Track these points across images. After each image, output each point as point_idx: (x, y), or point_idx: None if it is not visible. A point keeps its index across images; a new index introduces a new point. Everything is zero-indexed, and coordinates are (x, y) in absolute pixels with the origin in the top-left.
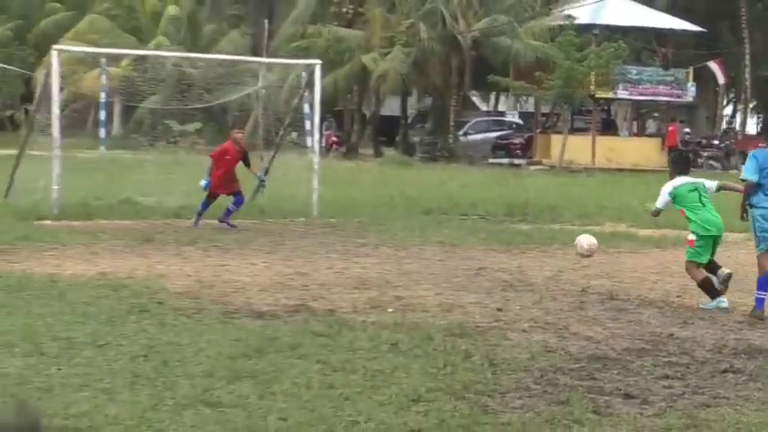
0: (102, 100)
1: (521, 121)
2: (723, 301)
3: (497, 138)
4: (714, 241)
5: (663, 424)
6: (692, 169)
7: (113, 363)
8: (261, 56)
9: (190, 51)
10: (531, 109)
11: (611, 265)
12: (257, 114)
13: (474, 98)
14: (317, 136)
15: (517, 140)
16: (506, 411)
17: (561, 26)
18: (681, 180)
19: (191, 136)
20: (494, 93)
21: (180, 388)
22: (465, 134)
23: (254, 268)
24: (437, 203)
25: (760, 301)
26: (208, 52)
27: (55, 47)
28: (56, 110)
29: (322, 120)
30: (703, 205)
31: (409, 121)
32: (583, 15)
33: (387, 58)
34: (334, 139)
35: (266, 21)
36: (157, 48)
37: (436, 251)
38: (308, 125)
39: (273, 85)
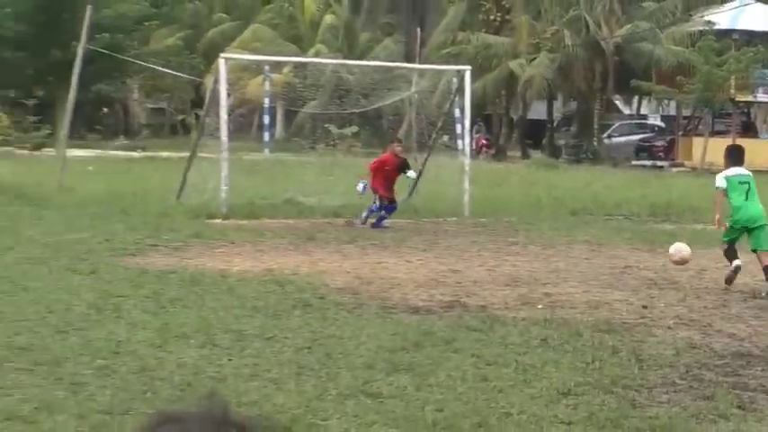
0: (266, 105)
1: (663, 125)
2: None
3: (640, 140)
4: (748, 230)
5: None
6: None
7: (280, 354)
8: (413, 62)
9: (347, 58)
10: (672, 112)
11: (753, 264)
12: (410, 118)
13: (617, 102)
14: (467, 139)
15: (659, 143)
16: (653, 406)
17: (701, 32)
18: (734, 171)
19: (348, 139)
20: (636, 97)
21: (342, 379)
22: (609, 137)
23: (409, 265)
24: (583, 204)
25: None
26: (363, 59)
27: (222, 55)
28: (223, 114)
29: (472, 123)
30: (746, 198)
31: (555, 124)
32: (722, 21)
33: (533, 64)
34: (484, 141)
35: (418, 29)
36: (316, 55)
37: (583, 250)
38: (458, 129)
39: (426, 91)
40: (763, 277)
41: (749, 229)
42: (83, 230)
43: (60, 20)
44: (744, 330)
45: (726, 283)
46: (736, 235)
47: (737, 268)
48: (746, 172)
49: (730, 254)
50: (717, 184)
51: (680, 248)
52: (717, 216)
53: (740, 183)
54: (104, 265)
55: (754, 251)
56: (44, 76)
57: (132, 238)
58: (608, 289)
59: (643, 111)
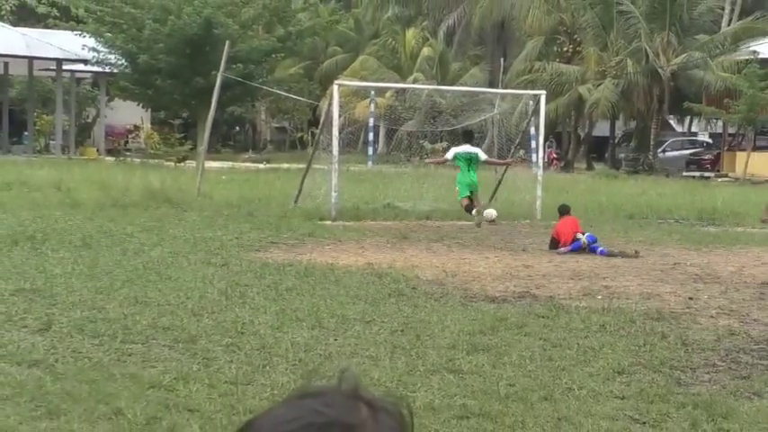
0: (371, 124)
1: (710, 141)
2: None
3: (690, 154)
4: None
5: None
6: None
7: (377, 336)
8: (496, 88)
9: (440, 85)
10: (719, 130)
11: None
12: (492, 135)
13: (671, 121)
14: (540, 153)
15: (707, 157)
16: (696, 384)
17: (747, 60)
18: None
19: (439, 153)
20: (688, 116)
21: (429, 357)
22: (663, 151)
23: (488, 261)
24: (639, 209)
25: None
26: (454, 85)
27: (336, 82)
28: (335, 132)
29: (545, 140)
30: None
31: (616, 140)
32: (766, 50)
33: (599, 89)
34: (554, 155)
35: (501, 59)
36: (414, 82)
37: (638, 248)
38: (533, 144)
39: (506, 112)
40: None
41: None
42: (217, 229)
43: (203, 53)
44: None
45: None
46: None
47: None
48: None
49: None
50: None
51: (491, 212)
52: None
53: None
54: (234, 259)
55: None
56: (188, 99)
57: (257, 236)
58: (659, 282)
59: (693, 129)
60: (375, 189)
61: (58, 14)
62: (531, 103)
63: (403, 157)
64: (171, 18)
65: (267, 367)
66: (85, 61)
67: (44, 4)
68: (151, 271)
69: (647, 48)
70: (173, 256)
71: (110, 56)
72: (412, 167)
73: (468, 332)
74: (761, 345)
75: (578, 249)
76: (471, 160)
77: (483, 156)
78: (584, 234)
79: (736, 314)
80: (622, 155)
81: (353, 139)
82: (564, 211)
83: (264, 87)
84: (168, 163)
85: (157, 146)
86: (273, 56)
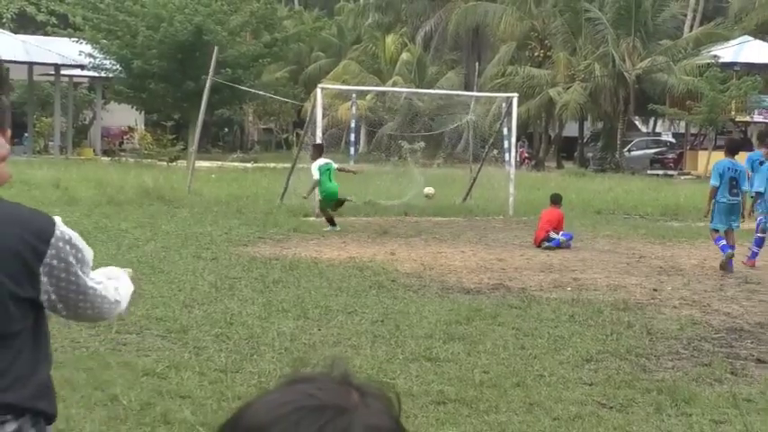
0: (352, 125)
1: (674, 140)
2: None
3: (655, 153)
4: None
5: None
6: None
7: (359, 326)
8: (471, 91)
9: (418, 88)
10: (682, 130)
11: (745, 255)
12: (468, 136)
13: (636, 122)
14: (513, 152)
15: (671, 156)
16: (660, 371)
17: (708, 64)
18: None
19: (416, 153)
20: (652, 117)
21: (407, 346)
22: (629, 150)
23: (463, 255)
24: (606, 205)
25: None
26: (431, 88)
27: (319, 85)
28: (319, 133)
29: (517, 140)
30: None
31: (585, 140)
32: (726, 55)
33: (568, 92)
34: (526, 155)
35: (476, 63)
36: (393, 85)
37: (605, 242)
38: (506, 144)
39: (480, 114)
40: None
41: None
42: (207, 225)
43: (193, 58)
44: (737, 310)
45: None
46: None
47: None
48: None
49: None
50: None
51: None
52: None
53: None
54: (223, 253)
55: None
56: (180, 102)
57: (245, 231)
58: (625, 275)
59: (658, 129)
60: (357, 186)
61: (56, 22)
62: (504, 105)
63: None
64: (163, 25)
65: (255, 356)
66: (82, 66)
67: (43, 12)
68: (145, 265)
69: (614, 52)
70: (165, 250)
71: (105, 61)
72: (390, 166)
73: (445, 322)
74: (721, 333)
75: (558, 246)
76: (330, 171)
77: (335, 165)
78: (558, 233)
79: (697, 305)
80: (590, 154)
81: (336, 140)
82: (552, 200)
83: (252, 90)
84: (161, 162)
85: (150, 146)
86: (260, 61)
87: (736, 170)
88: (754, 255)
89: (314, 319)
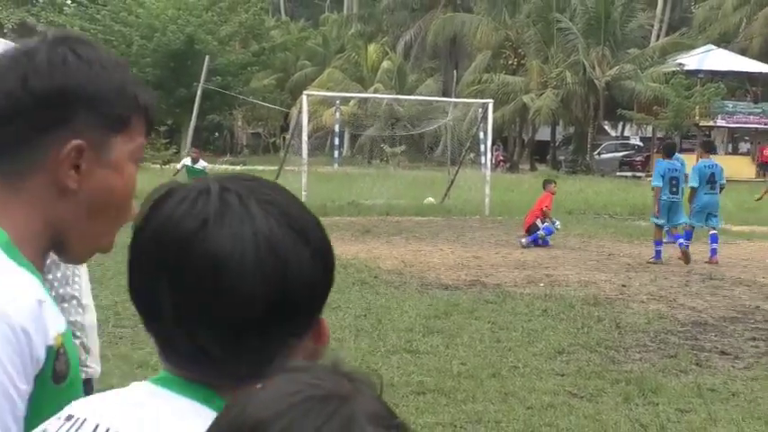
0: (336, 130)
1: (641, 144)
2: None
3: (623, 156)
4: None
5: (751, 375)
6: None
7: (342, 320)
8: (449, 97)
9: (398, 94)
10: (649, 134)
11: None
12: (446, 140)
13: (606, 126)
14: (488, 156)
15: (638, 158)
16: (629, 362)
17: (674, 72)
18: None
19: (397, 156)
20: (621, 122)
21: (389, 339)
22: (599, 154)
23: (442, 253)
24: (577, 205)
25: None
26: (411, 95)
27: (305, 92)
28: (305, 137)
29: (492, 143)
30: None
31: (557, 144)
32: (691, 63)
33: (541, 98)
34: (501, 158)
35: (453, 71)
36: (375, 92)
37: (576, 241)
38: (482, 148)
39: (457, 119)
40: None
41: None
42: None
43: (185, 66)
44: (701, 304)
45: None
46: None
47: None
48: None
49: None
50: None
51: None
52: None
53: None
54: None
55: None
56: (172, 108)
57: None
58: (595, 271)
59: (626, 133)
60: (340, 188)
61: None
62: (480, 110)
63: (365, 160)
64: (157, 35)
65: None
66: None
67: (42, 22)
68: None
69: (584, 61)
70: None
71: None
72: (373, 169)
73: (425, 316)
74: (687, 327)
75: (536, 240)
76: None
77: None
78: (543, 222)
79: (664, 300)
80: (562, 157)
81: (321, 144)
82: (544, 184)
83: (241, 97)
84: (154, 165)
85: (145, 150)
86: (249, 69)
87: (675, 170)
88: (679, 244)
89: None
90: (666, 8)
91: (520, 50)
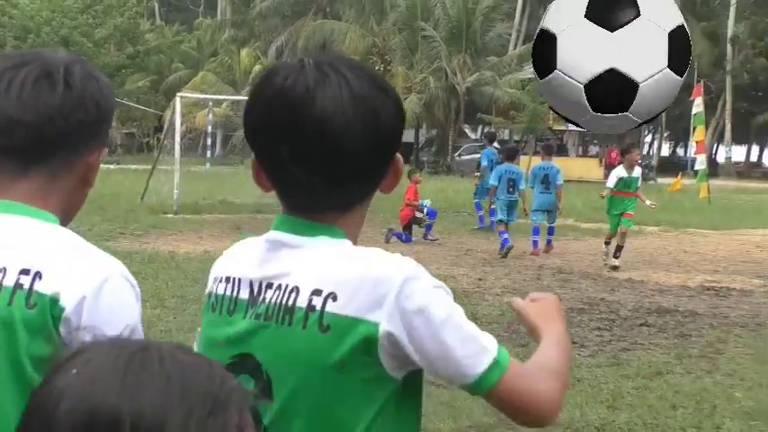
0: (209, 131)
1: (499, 146)
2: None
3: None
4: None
5: (595, 362)
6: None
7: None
8: None
9: None
10: (506, 137)
11: (561, 248)
12: None
13: (466, 129)
14: None
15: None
16: None
17: (530, 79)
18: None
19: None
20: (480, 125)
21: None
22: (459, 155)
23: None
24: (438, 204)
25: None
26: None
27: (179, 94)
28: (177, 138)
29: None
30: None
31: (420, 145)
32: None
33: (405, 102)
34: None
35: None
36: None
37: (437, 237)
38: None
39: None
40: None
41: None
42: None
43: None
44: None
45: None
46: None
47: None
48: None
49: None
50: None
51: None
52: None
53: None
54: None
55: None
56: None
57: (107, 227)
58: (454, 266)
59: None
60: (212, 187)
61: None
62: None
63: (237, 160)
64: (31, 36)
65: None
66: None
67: None
68: None
69: (447, 67)
70: None
71: None
72: (244, 168)
73: None
74: None
75: (400, 237)
76: None
77: None
78: (420, 213)
79: (517, 292)
80: (425, 158)
81: (194, 144)
82: (409, 174)
83: (115, 99)
84: None
85: None
86: (123, 71)
87: (512, 173)
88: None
89: (170, 307)
90: (524, 19)
91: (386, 57)
